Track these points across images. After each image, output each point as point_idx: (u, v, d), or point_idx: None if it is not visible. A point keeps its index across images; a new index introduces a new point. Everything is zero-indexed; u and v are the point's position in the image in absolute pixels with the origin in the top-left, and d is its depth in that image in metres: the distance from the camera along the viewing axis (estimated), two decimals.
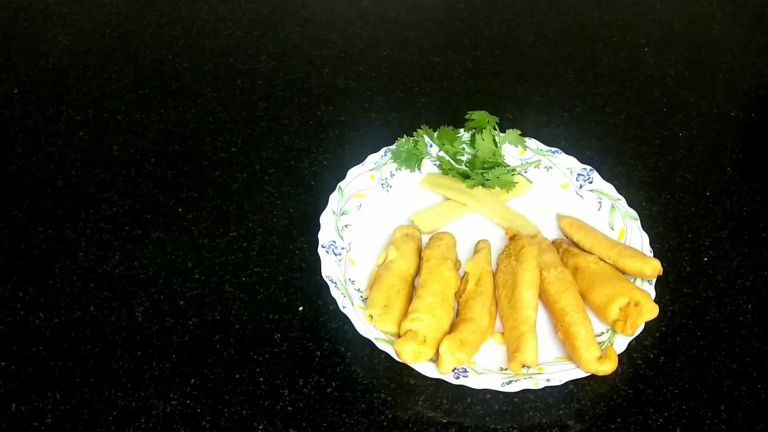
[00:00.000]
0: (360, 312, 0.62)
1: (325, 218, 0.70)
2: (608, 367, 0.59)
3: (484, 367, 0.61)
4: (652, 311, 0.62)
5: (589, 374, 0.60)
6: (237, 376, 0.61)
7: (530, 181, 0.78)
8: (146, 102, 0.89)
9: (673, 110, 0.92)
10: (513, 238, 0.69)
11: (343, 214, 0.72)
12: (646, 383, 0.63)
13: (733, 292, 0.71)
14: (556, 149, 0.79)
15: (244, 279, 0.69)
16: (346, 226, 0.71)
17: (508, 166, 0.78)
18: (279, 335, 0.65)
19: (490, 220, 0.74)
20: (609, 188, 0.75)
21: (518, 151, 0.79)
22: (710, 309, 0.69)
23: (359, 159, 0.77)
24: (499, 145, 0.79)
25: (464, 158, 0.79)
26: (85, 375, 0.61)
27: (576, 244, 0.71)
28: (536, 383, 0.58)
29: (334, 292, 0.63)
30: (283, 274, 0.70)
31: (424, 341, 0.59)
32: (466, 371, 0.59)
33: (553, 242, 0.72)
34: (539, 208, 0.76)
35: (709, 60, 1.01)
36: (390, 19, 1.05)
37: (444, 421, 0.60)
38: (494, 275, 0.67)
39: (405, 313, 0.62)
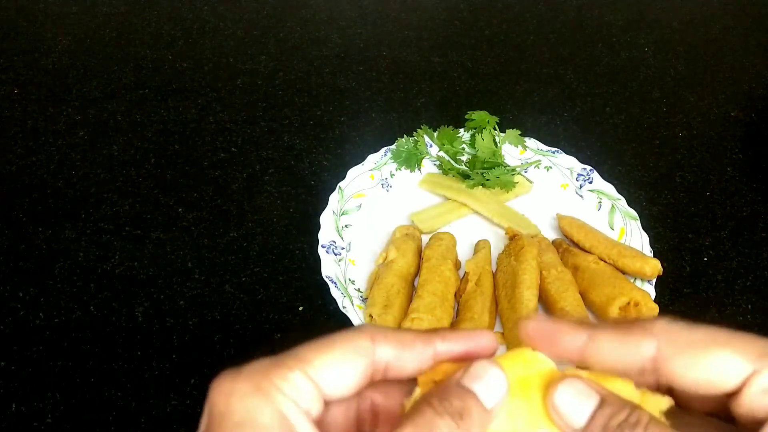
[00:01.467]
0: (360, 312, 0.62)
1: (325, 218, 0.70)
2: None
3: None
4: (651, 311, 0.62)
5: None
6: None
7: (530, 181, 0.78)
8: (146, 102, 0.89)
9: (673, 110, 0.92)
10: (513, 238, 0.69)
11: (343, 214, 0.72)
12: None
13: (733, 292, 0.71)
14: (556, 149, 0.79)
15: (244, 279, 0.69)
16: (346, 226, 0.71)
17: (508, 166, 0.78)
18: (279, 335, 0.65)
19: (490, 220, 0.74)
20: (609, 188, 0.75)
21: (518, 151, 0.79)
22: (710, 309, 0.69)
23: (359, 159, 0.77)
24: (499, 145, 0.79)
25: (464, 158, 0.79)
26: (85, 375, 0.61)
27: (576, 244, 0.71)
28: None
29: (334, 292, 0.63)
30: (283, 274, 0.70)
31: None
32: None
33: (553, 242, 0.72)
34: (539, 208, 0.76)
35: (709, 60, 1.01)
36: (390, 19, 1.05)
37: None
38: (494, 275, 0.68)
39: (405, 313, 0.62)
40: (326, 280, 0.64)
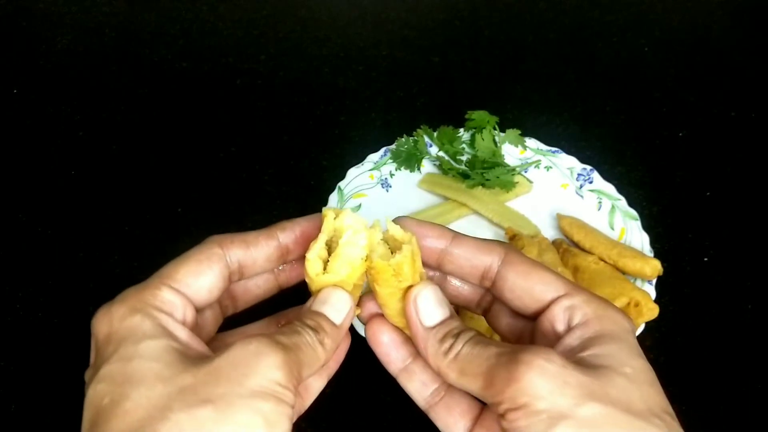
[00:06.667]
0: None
1: None
2: None
3: None
4: (652, 311, 0.62)
5: None
6: None
7: (530, 181, 0.78)
8: (146, 102, 0.89)
9: (673, 110, 0.92)
10: (513, 238, 0.69)
11: None
12: None
13: (733, 292, 0.71)
14: (556, 149, 0.79)
15: None
16: None
17: (508, 166, 0.78)
18: None
19: (490, 220, 0.74)
20: (609, 188, 0.75)
21: (518, 151, 0.79)
22: (710, 309, 0.69)
23: (359, 159, 0.77)
24: (499, 145, 0.79)
25: (464, 158, 0.79)
26: None
27: (576, 244, 0.71)
28: None
29: None
30: None
31: None
32: None
33: (553, 242, 0.72)
34: (539, 208, 0.76)
35: (709, 60, 1.01)
36: (390, 19, 1.05)
37: None
38: None
39: None
40: None
